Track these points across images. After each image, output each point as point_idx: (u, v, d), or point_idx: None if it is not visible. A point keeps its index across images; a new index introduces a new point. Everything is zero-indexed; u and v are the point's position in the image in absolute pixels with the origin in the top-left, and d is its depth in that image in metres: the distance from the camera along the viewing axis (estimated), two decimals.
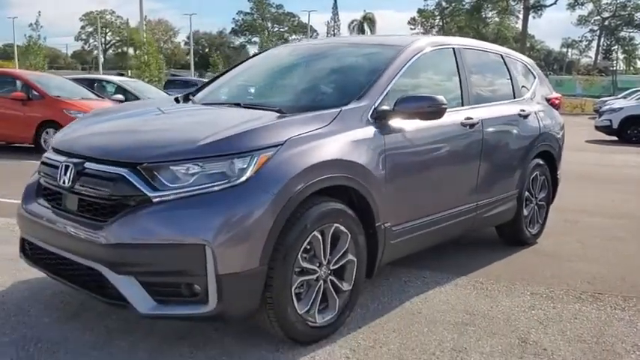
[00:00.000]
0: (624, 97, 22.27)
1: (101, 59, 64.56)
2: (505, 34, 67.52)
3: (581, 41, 77.06)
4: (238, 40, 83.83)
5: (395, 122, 3.07)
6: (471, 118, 3.67)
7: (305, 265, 2.61)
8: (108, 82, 13.99)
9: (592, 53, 76.88)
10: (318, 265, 2.67)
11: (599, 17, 68.69)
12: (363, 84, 3.15)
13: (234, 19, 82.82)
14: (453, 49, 3.87)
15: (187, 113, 3.35)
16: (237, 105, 3.24)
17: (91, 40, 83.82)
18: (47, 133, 9.78)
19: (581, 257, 4.28)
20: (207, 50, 76.93)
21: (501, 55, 4.52)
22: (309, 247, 2.62)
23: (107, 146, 2.67)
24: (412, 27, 75.76)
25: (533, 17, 58.59)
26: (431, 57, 3.66)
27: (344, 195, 2.82)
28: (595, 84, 45.60)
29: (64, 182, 2.62)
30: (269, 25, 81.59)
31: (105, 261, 2.39)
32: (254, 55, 4.47)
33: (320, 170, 2.61)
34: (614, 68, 63.87)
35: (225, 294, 2.34)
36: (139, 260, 2.36)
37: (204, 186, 2.38)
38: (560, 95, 5.21)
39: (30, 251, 2.92)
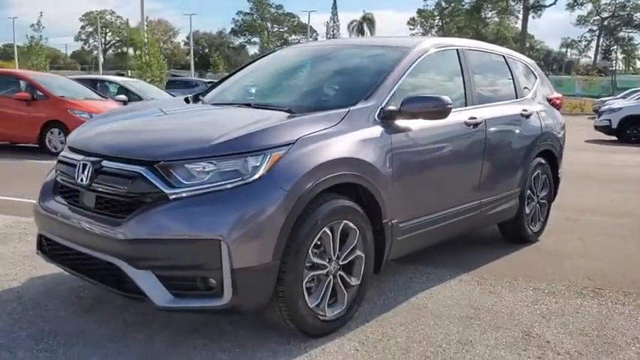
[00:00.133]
0: (623, 97, 22.36)
1: (101, 59, 64.66)
2: (505, 34, 67.65)
3: (580, 41, 77.36)
4: (238, 41, 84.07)
5: (401, 122, 3.15)
6: (475, 118, 3.76)
7: (315, 260, 2.69)
8: (110, 82, 14.09)
9: (591, 53, 77.16)
10: (327, 260, 2.76)
11: (598, 17, 68.83)
12: (370, 85, 3.23)
13: (234, 19, 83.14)
14: (457, 50, 3.96)
15: (199, 113, 3.43)
16: (248, 105, 3.33)
17: (91, 41, 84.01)
18: (52, 133, 9.88)
19: (582, 254, 4.37)
20: (207, 50, 77.04)
21: (503, 56, 4.60)
22: (319, 242, 2.70)
23: (124, 145, 2.75)
24: (411, 27, 75.99)
25: (533, 17, 58.83)
26: (435, 58, 3.74)
27: (352, 192, 2.90)
28: (594, 84, 45.70)
29: (81, 180, 2.70)
30: (269, 25, 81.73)
31: (124, 256, 2.47)
32: (261, 57, 4.54)
33: (330, 168, 2.70)
34: (614, 68, 63.99)
35: (239, 287, 2.42)
36: (156, 255, 2.44)
37: (218, 183, 2.46)
38: (560, 95, 5.29)
39: (47, 247, 3.00)
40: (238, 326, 2.87)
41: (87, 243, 2.64)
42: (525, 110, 4.40)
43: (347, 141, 2.85)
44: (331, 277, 2.79)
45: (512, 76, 4.56)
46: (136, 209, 2.49)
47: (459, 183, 3.74)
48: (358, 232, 2.87)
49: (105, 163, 2.66)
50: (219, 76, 42.59)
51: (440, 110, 3.16)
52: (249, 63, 4.43)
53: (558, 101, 5.08)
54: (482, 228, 4.50)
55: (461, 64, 3.91)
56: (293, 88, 3.85)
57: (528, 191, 4.44)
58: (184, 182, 2.47)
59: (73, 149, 2.96)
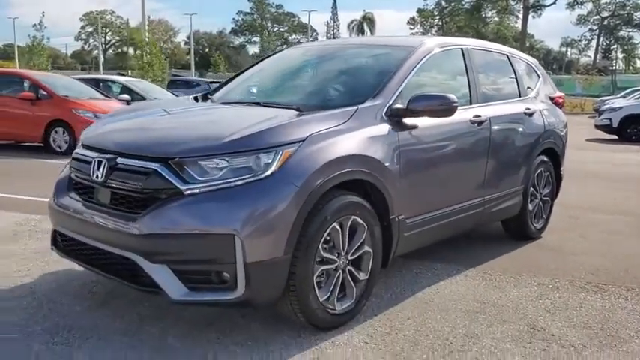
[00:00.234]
0: (623, 97, 22.44)
1: (101, 59, 64.75)
2: (505, 33, 67.65)
3: (580, 41, 77.47)
4: (238, 40, 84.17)
5: (408, 120, 3.21)
6: (479, 116, 3.82)
7: (325, 255, 2.75)
8: (114, 82, 14.15)
9: (591, 53, 77.26)
10: (337, 255, 2.82)
11: (598, 17, 68.97)
12: (377, 83, 3.29)
13: (234, 19, 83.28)
14: (461, 49, 4.02)
15: (210, 111, 3.49)
16: (257, 104, 3.39)
17: (91, 40, 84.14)
18: (56, 132, 9.94)
19: (585, 251, 4.43)
20: (207, 50, 77.10)
21: (507, 55, 4.66)
22: (329, 238, 2.77)
23: (139, 142, 2.81)
24: (411, 27, 76.00)
25: (533, 17, 58.86)
26: (440, 57, 3.81)
27: (361, 189, 2.97)
28: (594, 83, 45.71)
29: (97, 177, 2.76)
30: (269, 25, 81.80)
31: (140, 251, 2.53)
32: (267, 57, 4.60)
33: (339, 165, 2.76)
34: (614, 67, 64.05)
35: (252, 281, 2.48)
36: (171, 249, 2.50)
37: (231, 180, 2.52)
38: (563, 94, 5.35)
39: (62, 243, 3.06)
40: (250, 319, 2.93)
41: (102, 238, 2.70)
42: (528, 109, 4.46)
43: (355, 138, 2.91)
44: (340, 271, 2.85)
45: (515, 74, 4.62)
46: (151, 205, 2.55)
47: (464, 180, 3.80)
48: (366, 227, 2.93)
49: (120, 160, 2.71)
50: (220, 76, 42.77)
51: (446, 108, 3.22)
52: (256, 63, 4.49)
53: (561, 100, 5.14)
54: (487, 225, 4.56)
55: (465, 63, 3.97)
56: (301, 87, 3.91)
57: (531, 189, 4.50)
58: (198, 178, 2.53)
59: (87, 147, 3.02)
